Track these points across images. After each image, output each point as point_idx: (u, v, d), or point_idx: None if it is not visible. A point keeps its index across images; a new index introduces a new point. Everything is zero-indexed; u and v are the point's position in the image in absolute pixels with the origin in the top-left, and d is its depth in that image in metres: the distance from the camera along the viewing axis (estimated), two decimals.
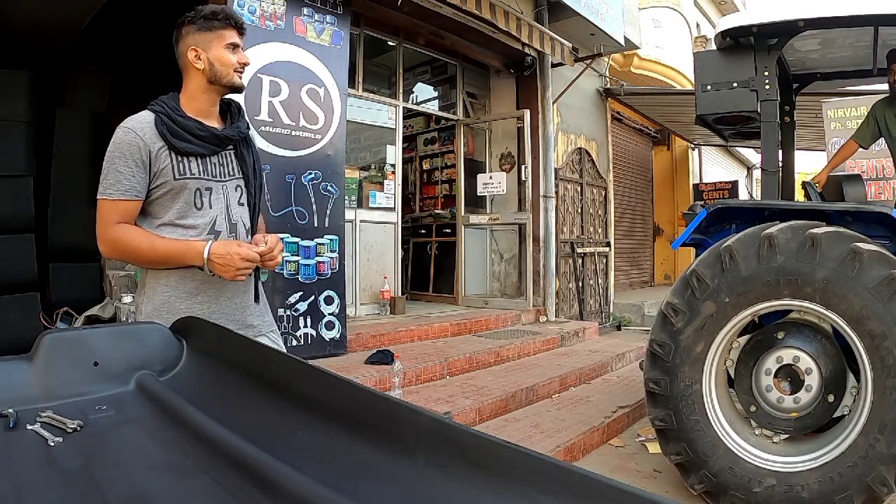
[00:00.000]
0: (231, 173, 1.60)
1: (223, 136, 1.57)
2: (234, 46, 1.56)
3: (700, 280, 2.67)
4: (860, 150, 3.73)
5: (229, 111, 1.65)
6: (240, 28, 1.59)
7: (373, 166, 6.23)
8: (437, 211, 7.55)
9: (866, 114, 3.66)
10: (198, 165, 1.53)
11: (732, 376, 2.79)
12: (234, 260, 1.48)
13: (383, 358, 3.95)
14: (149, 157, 1.46)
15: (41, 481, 0.84)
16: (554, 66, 6.63)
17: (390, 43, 6.10)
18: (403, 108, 6.12)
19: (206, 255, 1.48)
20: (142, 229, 1.50)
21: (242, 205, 1.62)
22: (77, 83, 4.62)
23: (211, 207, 1.55)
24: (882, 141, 3.65)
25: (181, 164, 1.51)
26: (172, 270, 1.52)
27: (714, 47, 3.20)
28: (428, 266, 7.22)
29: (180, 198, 1.51)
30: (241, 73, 1.59)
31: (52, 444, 0.94)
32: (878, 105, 3.55)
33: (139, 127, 1.47)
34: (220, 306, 1.58)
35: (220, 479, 0.83)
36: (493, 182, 6.63)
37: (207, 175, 1.55)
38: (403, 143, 6.45)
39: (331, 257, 4.20)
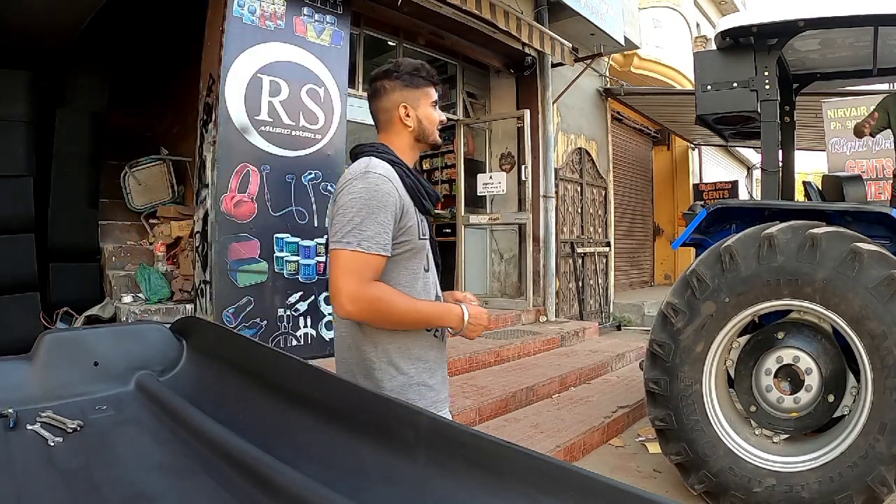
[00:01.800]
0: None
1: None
2: (436, 103, 1.53)
3: (700, 280, 2.67)
4: (866, 139, 3.69)
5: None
6: (436, 84, 1.55)
7: None
8: (437, 211, 7.55)
9: (877, 104, 3.61)
10: (426, 226, 1.47)
11: (732, 376, 2.79)
12: (484, 320, 1.48)
13: None
14: (400, 212, 1.37)
15: (41, 481, 0.84)
16: (554, 66, 6.63)
17: (390, 43, 6.10)
18: None
19: (467, 319, 1.43)
20: (393, 287, 1.37)
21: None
22: (77, 83, 4.61)
23: (427, 271, 1.50)
24: (882, 141, 3.65)
25: (422, 224, 1.44)
26: (410, 338, 1.42)
27: (714, 47, 3.20)
28: None
29: (416, 259, 1.44)
30: (441, 129, 1.56)
31: (52, 444, 0.94)
32: (891, 100, 3.52)
33: (392, 177, 1.37)
34: (441, 374, 1.51)
35: (220, 479, 0.83)
36: (493, 182, 6.63)
37: (427, 237, 1.48)
38: None
39: None
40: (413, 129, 1.49)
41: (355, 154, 1.48)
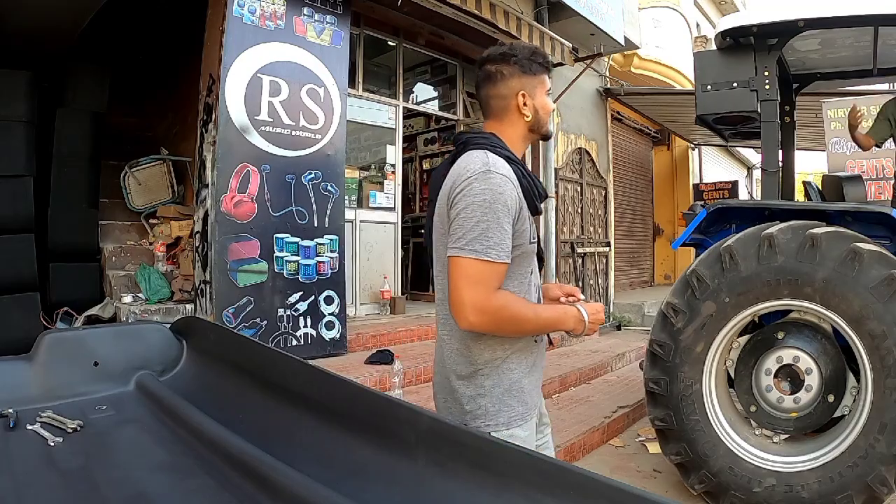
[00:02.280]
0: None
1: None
2: (549, 92, 1.45)
3: (700, 280, 2.67)
4: (871, 148, 3.69)
5: None
6: (549, 71, 1.46)
7: (373, 166, 6.22)
8: None
9: (878, 112, 3.62)
10: (534, 229, 1.40)
11: (732, 376, 2.79)
12: (601, 315, 1.44)
13: (383, 358, 3.95)
14: (517, 215, 1.30)
15: (41, 481, 0.84)
16: (554, 66, 6.61)
17: (390, 43, 6.09)
18: (403, 107, 6.11)
19: (587, 319, 1.38)
20: (512, 294, 1.31)
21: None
22: (77, 83, 4.61)
23: (532, 274, 1.43)
24: (886, 141, 3.64)
25: (532, 227, 1.37)
26: (517, 345, 1.37)
27: (714, 47, 3.20)
28: (428, 266, 7.21)
29: (525, 263, 1.37)
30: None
31: (52, 444, 0.94)
32: (891, 104, 3.52)
33: (511, 177, 1.29)
34: (539, 379, 1.46)
35: (220, 479, 0.83)
36: None
37: (536, 240, 1.41)
38: (403, 142, 6.44)
39: (331, 257, 4.20)
40: (530, 119, 1.41)
41: (462, 143, 1.40)
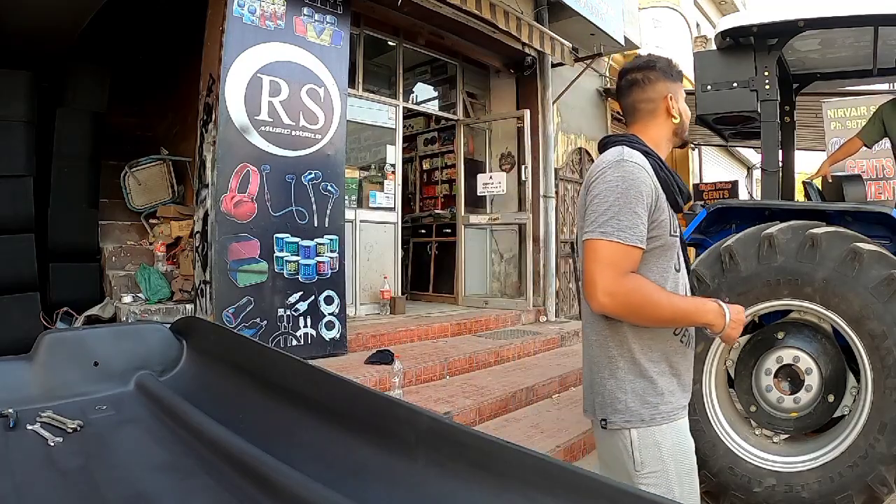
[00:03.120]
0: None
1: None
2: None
3: (700, 280, 2.67)
4: (863, 149, 3.72)
5: None
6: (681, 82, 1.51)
7: (373, 166, 6.23)
8: (437, 211, 7.55)
9: (873, 113, 3.64)
10: (677, 223, 1.40)
11: (732, 376, 2.78)
12: (743, 318, 1.37)
13: (383, 358, 3.95)
14: (654, 204, 1.31)
15: (41, 481, 0.84)
16: (554, 66, 6.63)
17: (390, 43, 6.10)
18: (403, 108, 6.12)
19: (729, 316, 1.33)
20: (649, 280, 1.30)
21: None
22: (77, 83, 4.61)
23: (678, 271, 1.41)
24: (884, 140, 3.65)
25: (673, 220, 1.37)
26: (655, 339, 1.34)
27: (714, 47, 3.20)
28: (428, 266, 7.22)
29: (666, 257, 1.36)
30: None
31: (52, 444, 0.94)
32: (887, 107, 3.53)
33: (646, 167, 1.32)
34: (684, 381, 1.43)
35: (220, 479, 0.83)
36: (493, 182, 6.63)
37: (678, 234, 1.40)
38: (403, 143, 6.45)
39: (331, 257, 4.20)
40: (678, 121, 1.45)
41: (604, 144, 1.44)
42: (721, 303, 1.35)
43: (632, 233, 1.25)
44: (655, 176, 1.33)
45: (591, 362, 1.40)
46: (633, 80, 1.46)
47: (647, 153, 1.35)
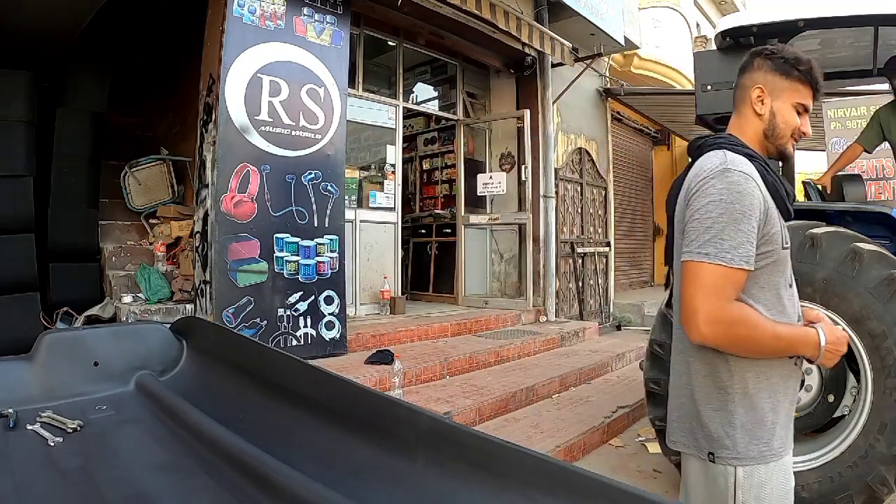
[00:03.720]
0: None
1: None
2: (804, 109, 1.30)
3: None
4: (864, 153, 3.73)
5: None
6: (816, 91, 1.31)
7: (373, 166, 6.23)
8: (437, 211, 7.55)
9: (870, 118, 3.64)
10: (787, 233, 1.26)
11: None
12: (843, 345, 1.24)
13: (383, 358, 3.95)
14: (763, 216, 1.17)
15: (41, 481, 0.84)
16: (554, 66, 6.63)
17: (390, 43, 6.10)
18: (403, 108, 6.12)
19: (823, 344, 1.20)
20: (753, 307, 1.18)
21: None
22: (77, 83, 4.61)
23: (790, 286, 1.28)
24: (884, 143, 3.65)
25: (784, 230, 1.24)
26: (775, 370, 1.21)
27: (714, 47, 3.20)
28: (428, 266, 7.22)
29: (778, 272, 1.23)
30: (796, 141, 1.32)
31: (52, 444, 0.94)
32: (883, 111, 3.54)
33: (753, 175, 1.18)
34: (791, 408, 1.29)
35: (220, 479, 0.83)
36: (493, 182, 6.63)
37: (790, 246, 1.27)
38: (403, 143, 6.45)
39: (331, 257, 4.20)
40: (764, 119, 1.28)
41: (699, 147, 1.30)
42: (819, 329, 1.23)
43: (737, 253, 1.12)
44: (763, 183, 1.19)
45: (694, 392, 1.26)
46: (743, 64, 1.34)
47: (752, 157, 1.22)
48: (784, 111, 1.28)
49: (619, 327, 7.70)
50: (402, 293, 5.91)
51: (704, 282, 1.13)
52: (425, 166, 8.13)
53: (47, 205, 4.36)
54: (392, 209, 5.79)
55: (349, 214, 5.02)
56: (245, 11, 3.77)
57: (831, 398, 2.57)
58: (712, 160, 1.21)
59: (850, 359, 2.54)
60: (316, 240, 4.11)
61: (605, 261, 8.02)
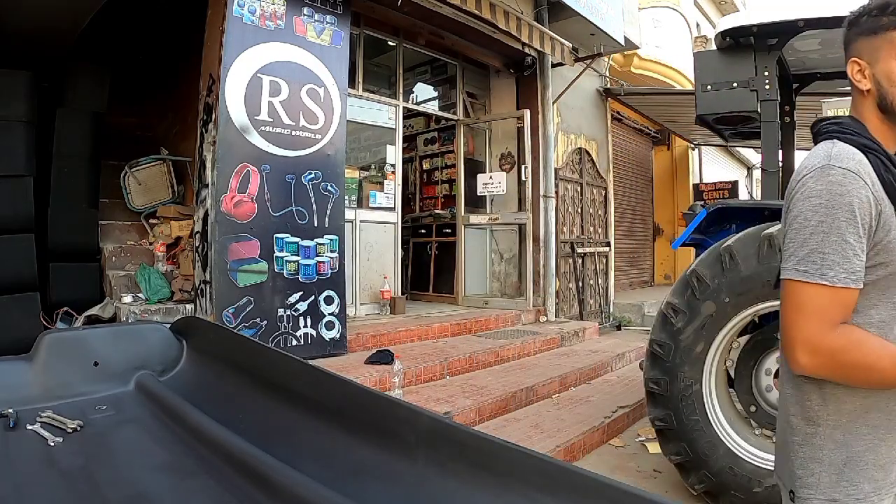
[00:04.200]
0: None
1: None
2: None
3: (700, 280, 2.67)
4: None
5: None
6: None
7: (373, 166, 6.23)
8: (437, 211, 7.55)
9: None
10: None
11: (732, 376, 2.78)
12: None
13: (383, 358, 3.95)
14: (875, 222, 0.98)
15: (41, 481, 0.84)
16: (554, 66, 6.63)
17: (390, 43, 6.10)
18: (403, 108, 6.12)
19: None
20: (864, 330, 1.00)
21: None
22: (77, 83, 4.61)
23: None
24: None
25: None
26: (877, 398, 1.03)
27: (714, 47, 3.20)
28: (428, 266, 7.22)
29: (894, 287, 1.02)
30: None
31: (52, 444, 0.94)
32: None
33: (861, 171, 0.98)
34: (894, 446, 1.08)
35: (220, 479, 0.83)
36: (493, 182, 6.63)
37: None
38: (403, 143, 6.45)
39: (331, 257, 4.20)
40: (872, 93, 1.05)
41: (816, 133, 1.11)
42: None
43: (841, 269, 0.95)
44: (879, 180, 0.99)
45: (786, 420, 1.12)
46: (844, 42, 1.11)
47: (867, 148, 1.01)
48: (889, 71, 1.03)
49: (619, 327, 7.71)
50: (402, 293, 5.91)
51: (803, 304, 0.97)
52: (425, 166, 8.13)
53: (47, 205, 4.36)
54: (392, 209, 5.79)
55: (349, 214, 5.02)
56: (245, 11, 3.77)
57: None
58: (817, 154, 1.03)
59: None
60: (316, 240, 4.12)
61: (605, 261, 8.02)
